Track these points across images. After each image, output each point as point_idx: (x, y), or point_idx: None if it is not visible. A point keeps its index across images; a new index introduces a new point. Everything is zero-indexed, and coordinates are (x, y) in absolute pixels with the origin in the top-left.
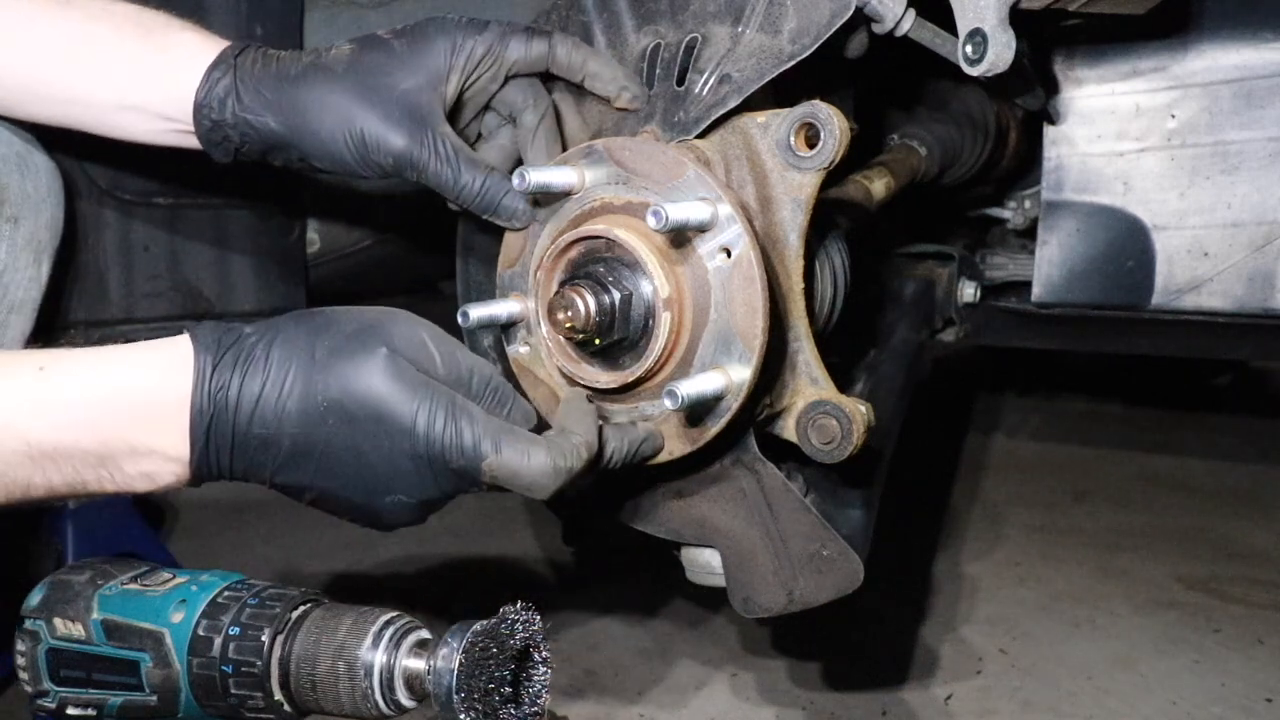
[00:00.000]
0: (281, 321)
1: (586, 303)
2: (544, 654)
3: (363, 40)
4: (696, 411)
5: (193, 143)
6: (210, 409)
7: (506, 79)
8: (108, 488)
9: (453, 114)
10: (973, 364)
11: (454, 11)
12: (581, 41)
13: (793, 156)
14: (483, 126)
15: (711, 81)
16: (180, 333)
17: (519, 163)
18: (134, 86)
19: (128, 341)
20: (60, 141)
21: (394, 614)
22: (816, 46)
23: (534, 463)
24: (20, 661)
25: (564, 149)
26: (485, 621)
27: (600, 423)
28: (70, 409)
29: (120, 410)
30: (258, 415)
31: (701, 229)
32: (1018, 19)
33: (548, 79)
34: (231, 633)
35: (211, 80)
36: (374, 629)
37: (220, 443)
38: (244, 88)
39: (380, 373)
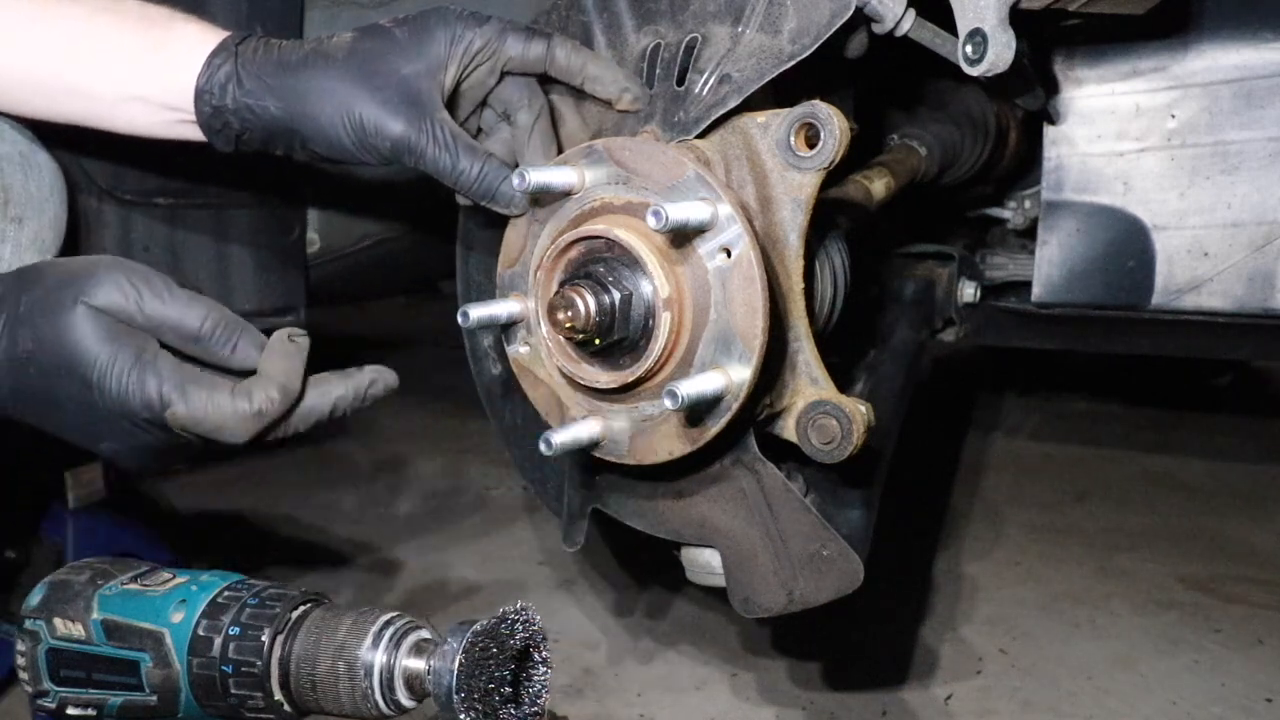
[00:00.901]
0: (11, 274)
1: (586, 303)
2: (544, 654)
3: (364, 29)
4: (696, 411)
5: (196, 134)
6: None
7: (503, 75)
8: None
9: (450, 107)
10: (973, 364)
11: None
12: (581, 45)
13: (793, 156)
14: (481, 122)
15: (711, 81)
16: None
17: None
18: (137, 77)
19: None
20: (60, 141)
21: (394, 614)
22: (816, 46)
23: (218, 407)
24: (20, 661)
25: (559, 149)
26: (485, 621)
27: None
28: None
29: None
30: None
31: (701, 229)
32: (1018, 19)
33: (548, 79)
34: (231, 633)
35: (213, 66)
36: (374, 629)
37: None
38: (245, 73)
39: (70, 325)
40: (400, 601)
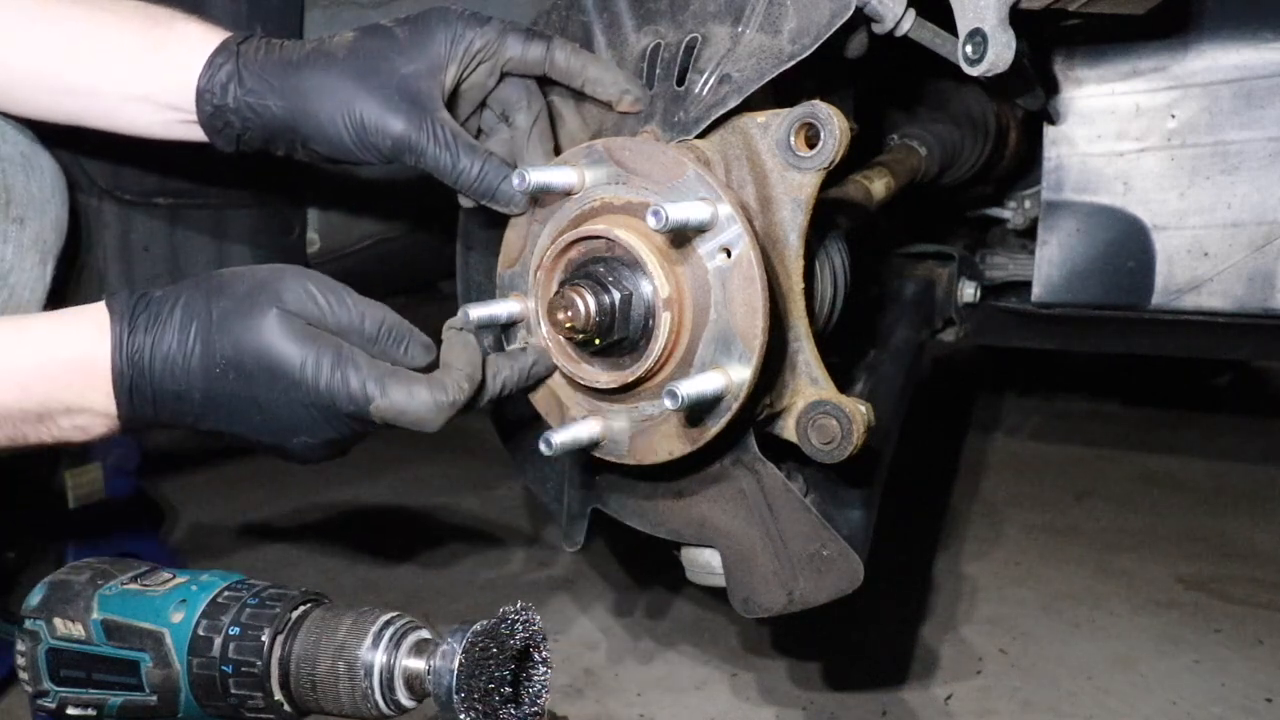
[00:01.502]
0: (185, 284)
1: (586, 303)
2: (544, 654)
3: (365, 28)
4: (696, 411)
5: (198, 134)
6: (129, 370)
7: (502, 76)
8: (46, 440)
9: (450, 107)
10: (973, 364)
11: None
12: (581, 47)
13: (793, 156)
14: (481, 123)
15: (711, 81)
16: None
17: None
18: (139, 76)
19: None
20: (61, 141)
21: (394, 614)
22: (816, 46)
23: (418, 400)
24: (20, 661)
25: (557, 150)
26: (485, 621)
27: (487, 353)
28: (6, 374)
29: (53, 375)
30: (169, 374)
31: (701, 229)
32: (1018, 19)
33: (548, 80)
34: (231, 633)
35: (214, 66)
36: (374, 629)
37: (141, 398)
38: (246, 73)
39: (269, 330)
40: (399, 601)
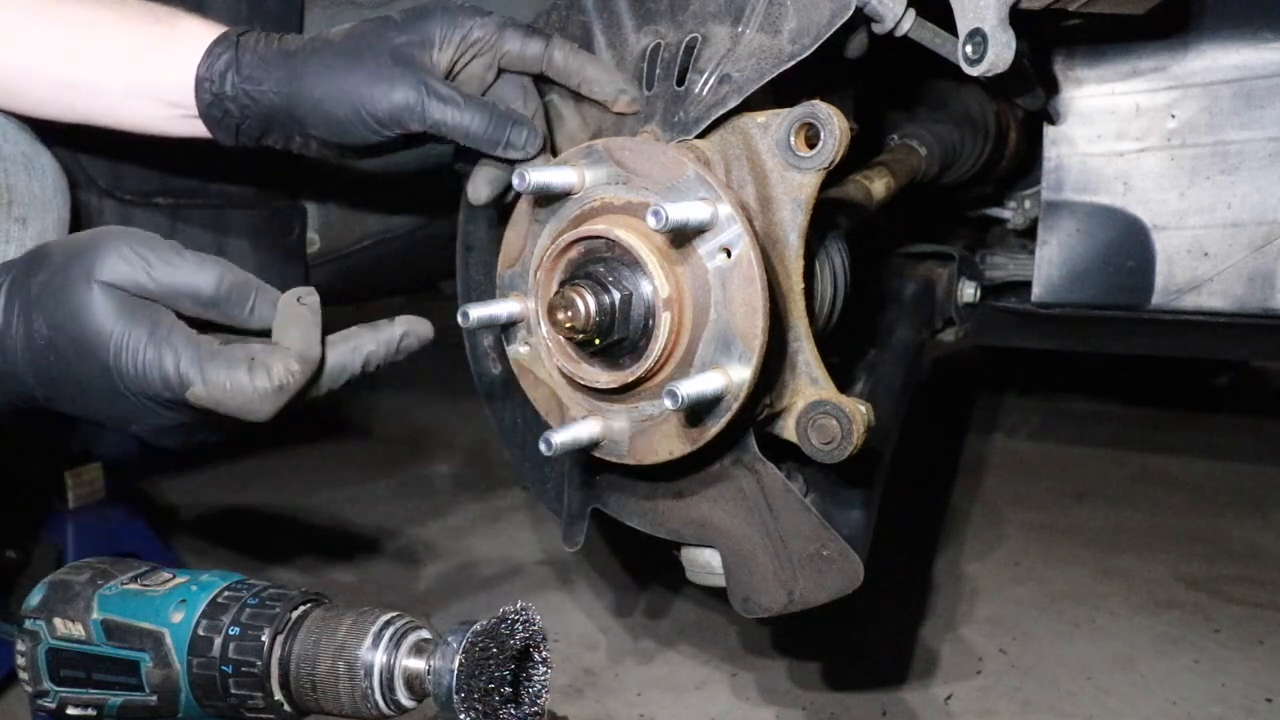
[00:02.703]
0: (16, 261)
1: (586, 303)
2: (544, 654)
3: (364, 19)
4: (696, 411)
5: (198, 130)
6: None
7: (500, 72)
8: None
9: None
10: (973, 364)
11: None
12: (580, 47)
13: (793, 156)
14: None
15: (711, 81)
16: None
17: None
18: (141, 71)
19: None
20: (61, 140)
21: (394, 614)
22: (816, 46)
23: (240, 389)
24: (20, 661)
25: (554, 150)
26: (485, 621)
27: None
28: None
29: None
30: (4, 353)
31: (701, 229)
32: (1018, 19)
33: (548, 80)
34: (231, 633)
35: (213, 55)
36: (374, 629)
37: None
38: (245, 60)
39: (83, 307)
40: (399, 601)
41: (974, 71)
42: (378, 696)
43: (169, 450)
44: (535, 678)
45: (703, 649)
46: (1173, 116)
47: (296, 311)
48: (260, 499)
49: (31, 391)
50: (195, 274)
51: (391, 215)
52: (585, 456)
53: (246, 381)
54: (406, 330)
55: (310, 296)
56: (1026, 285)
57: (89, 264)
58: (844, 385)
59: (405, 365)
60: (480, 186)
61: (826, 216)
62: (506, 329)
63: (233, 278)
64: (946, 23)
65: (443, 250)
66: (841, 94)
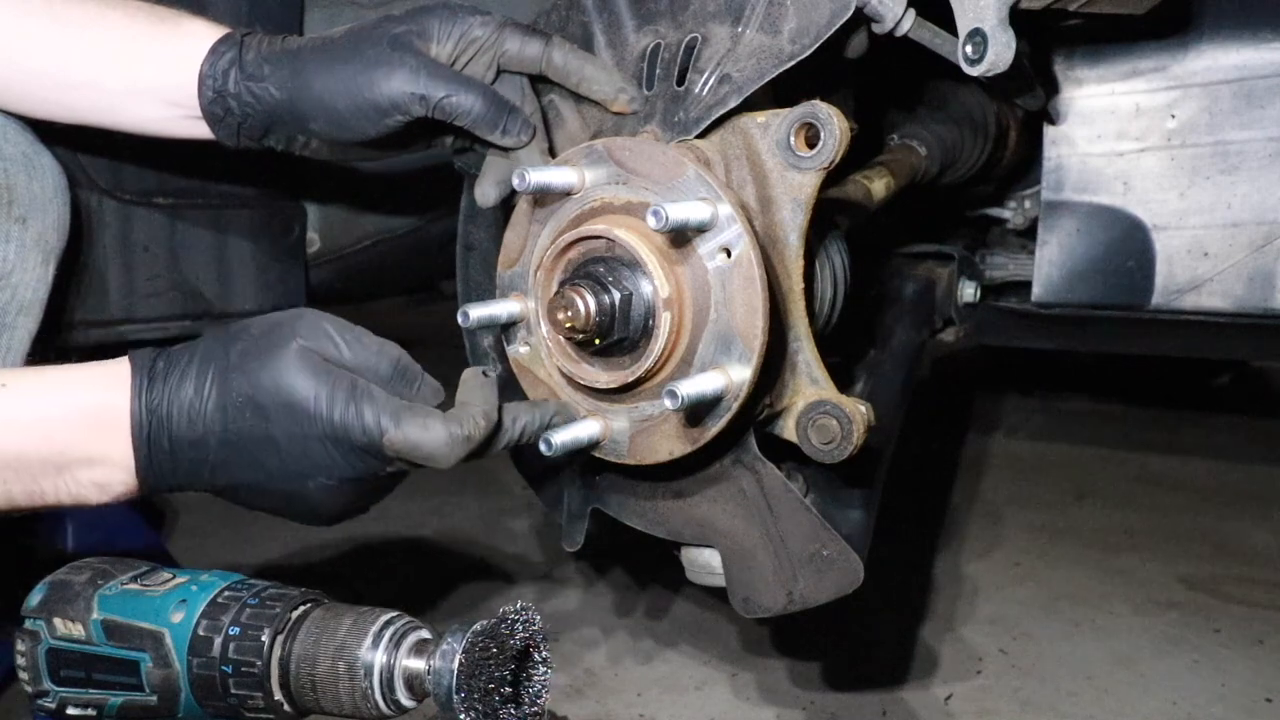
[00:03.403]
0: (205, 336)
1: (586, 303)
2: (544, 654)
3: (366, 18)
4: (696, 411)
5: (200, 130)
6: (148, 419)
7: (500, 71)
8: (64, 499)
9: None
10: (973, 364)
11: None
12: (579, 48)
13: (793, 156)
14: None
15: (711, 81)
16: (188, 334)
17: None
18: (143, 71)
19: (128, 341)
20: (61, 140)
21: (394, 614)
22: (816, 46)
23: (432, 434)
24: (20, 661)
25: (554, 150)
26: (485, 621)
27: (504, 402)
28: (29, 420)
29: (74, 422)
30: (187, 420)
31: (701, 229)
32: (1018, 19)
33: (546, 80)
34: (231, 633)
35: (217, 53)
36: (374, 629)
37: (159, 448)
38: (248, 59)
39: (285, 366)
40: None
41: (974, 71)
42: (378, 696)
43: (325, 515)
44: (535, 678)
45: (703, 649)
46: (1173, 116)
47: (479, 380)
48: None
49: (207, 460)
50: (378, 355)
51: (391, 215)
52: (585, 456)
53: (441, 429)
54: (558, 411)
55: (492, 372)
56: (1026, 285)
57: (291, 331)
58: (844, 385)
59: None
60: (488, 189)
61: (826, 216)
62: (506, 329)
63: (407, 361)
64: (946, 23)
65: (443, 250)
66: (841, 94)
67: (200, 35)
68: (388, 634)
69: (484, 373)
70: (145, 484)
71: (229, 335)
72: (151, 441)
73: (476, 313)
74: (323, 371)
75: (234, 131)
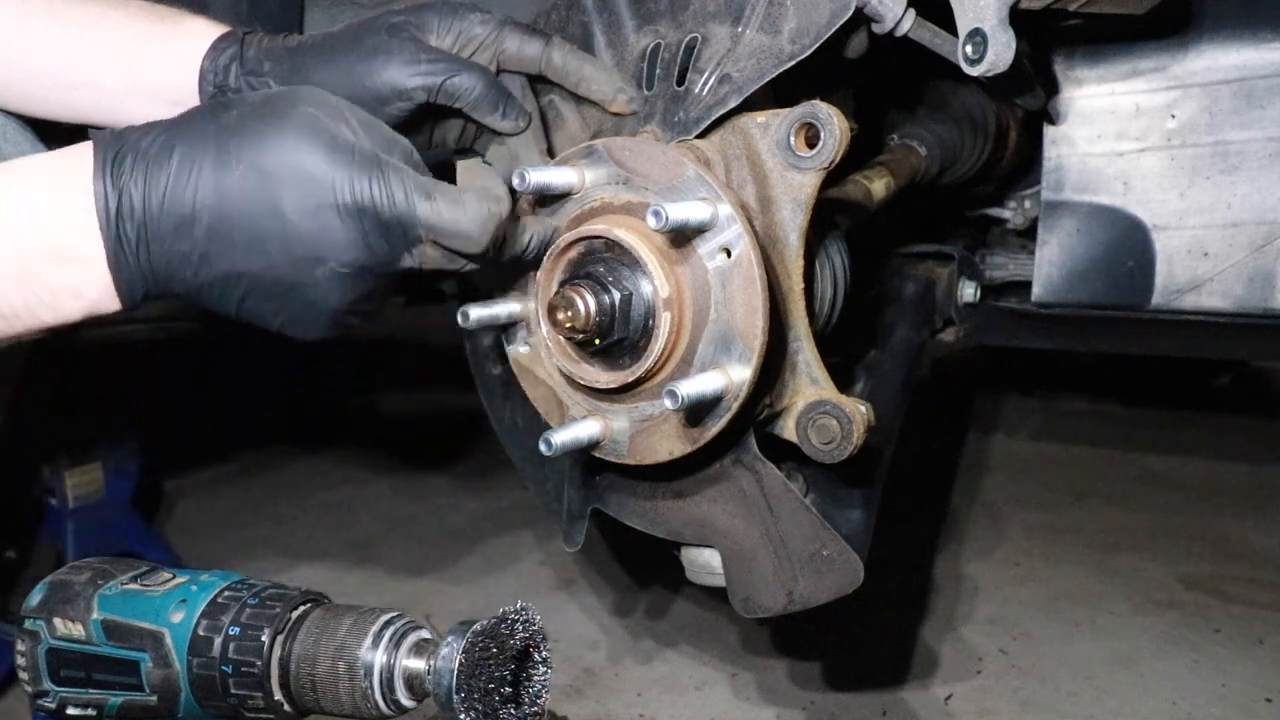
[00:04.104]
0: (185, 112)
1: (586, 303)
2: (544, 654)
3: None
4: (696, 411)
5: None
6: (115, 195)
7: (499, 71)
8: (41, 313)
9: None
10: (973, 364)
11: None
12: (579, 49)
13: (793, 156)
14: None
15: (711, 81)
16: (188, 334)
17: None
18: (144, 70)
19: (128, 342)
20: (61, 140)
21: (394, 614)
22: (816, 46)
23: (468, 209)
24: (20, 661)
25: (552, 151)
26: (485, 621)
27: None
28: None
29: (33, 212)
30: (169, 196)
31: (701, 229)
32: (1018, 19)
33: (545, 80)
34: (231, 633)
35: (218, 50)
36: (374, 629)
37: (133, 234)
38: (249, 55)
39: (296, 127)
40: (399, 601)
41: (974, 71)
42: (378, 696)
43: (324, 319)
44: (535, 678)
45: (703, 649)
46: (1173, 116)
47: (479, 165)
48: (260, 499)
49: (194, 247)
50: (391, 142)
51: None
52: (585, 456)
53: (476, 203)
54: (557, 226)
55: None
56: (1026, 285)
57: (300, 98)
58: (844, 385)
59: (405, 366)
60: None
61: (826, 216)
62: (507, 329)
63: (419, 159)
64: (946, 23)
65: None
66: (841, 94)
67: (201, 34)
68: (388, 634)
69: (484, 160)
70: (119, 282)
71: (216, 104)
72: (122, 225)
73: (477, 313)
74: (341, 140)
75: None
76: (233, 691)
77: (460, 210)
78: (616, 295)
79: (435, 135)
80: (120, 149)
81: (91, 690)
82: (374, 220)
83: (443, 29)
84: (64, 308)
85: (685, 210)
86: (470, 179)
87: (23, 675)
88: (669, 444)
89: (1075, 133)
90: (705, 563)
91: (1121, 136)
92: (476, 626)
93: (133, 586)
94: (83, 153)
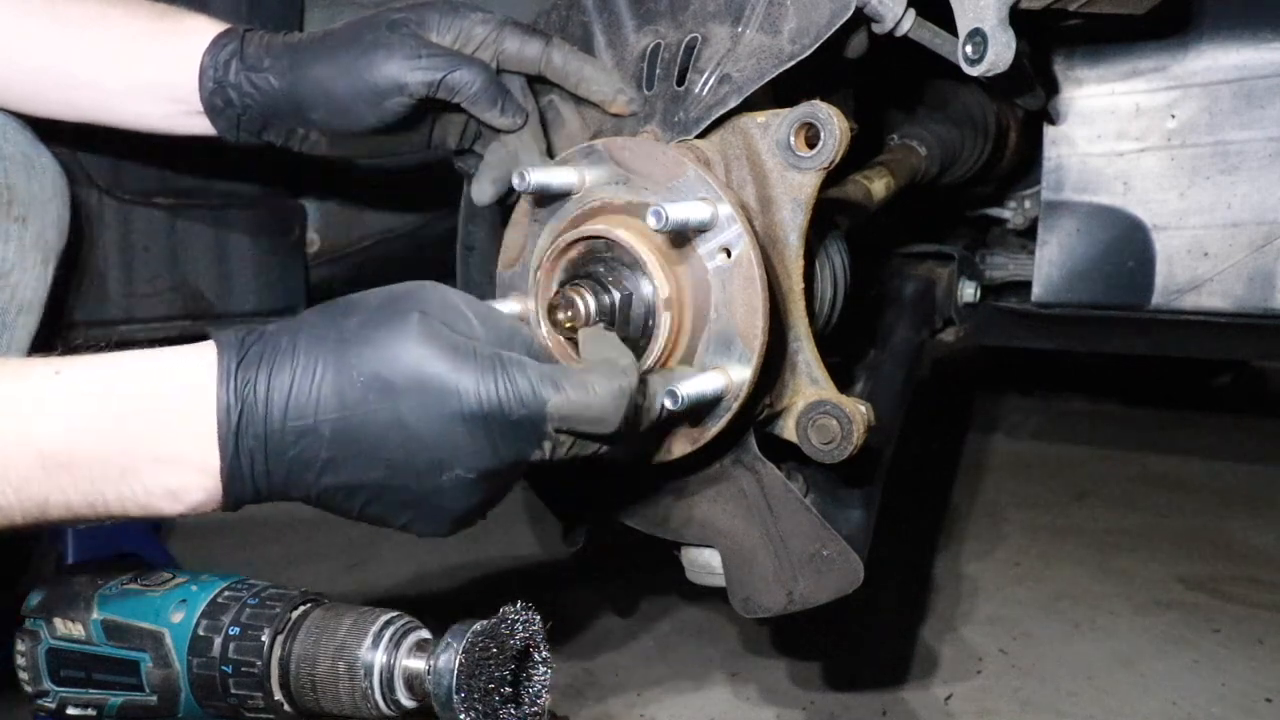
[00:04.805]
0: (304, 313)
1: (586, 303)
2: (544, 654)
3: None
4: (697, 411)
5: (201, 127)
6: (238, 405)
7: (499, 71)
8: (130, 508)
9: None
10: (973, 364)
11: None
12: (579, 49)
13: (793, 156)
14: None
15: (711, 81)
16: (188, 334)
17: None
18: (144, 68)
19: (128, 342)
20: (61, 140)
21: (394, 614)
22: (816, 46)
23: (598, 393)
24: (20, 661)
25: (552, 151)
26: (485, 621)
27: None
28: (87, 410)
29: (142, 412)
30: (291, 407)
31: (701, 229)
32: (1018, 19)
33: (545, 80)
34: (231, 633)
35: (219, 46)
36: (374, 629)
37: (253, 444)
38: (249, 52)
39: (416, 336)
40: (398, 601)
41: (974, 71)
42: (378, 696)
43: (448, 519)
44: (535, 678)
45: (703, 649)
46: (1173, 116)
47: (601, 333)
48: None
49: (317, 455)
50: (511, 334)
51: (391, 215)
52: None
53: (604, 384)
54: (681, 375)
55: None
56: (1026, 285)
57: (417, 302)
58: (844, 385)
59: None
60: (485, 186)
61: (826, 216)
62: None
63: (539, 348)
64: (946, 23)
65: (443, 250)
66: (841, 94)
67: (201, 32)
68: (388, 634)
69: (603, 326)
70: (230, 489)
71: (337, 309)
72: (242, 435)
73: None
74: (459, 342)
75: (234, 124)
76: (233, 691)
77: (590, 395)
78: (616, 295)
79: (435, 134)
80: (243, 357)
81: (91, 690)
82: (501, 423)
83: (443, 27)
84: (157, 506)
85: (685, 210)
86: (594, 349)
87: (23, 675)
88: (669, 444)
89: (1075, 133)
90: (705, 563)
91: (1121, 136)
92: (476, 626)
93: (133, 586)
94: (200, 355)
